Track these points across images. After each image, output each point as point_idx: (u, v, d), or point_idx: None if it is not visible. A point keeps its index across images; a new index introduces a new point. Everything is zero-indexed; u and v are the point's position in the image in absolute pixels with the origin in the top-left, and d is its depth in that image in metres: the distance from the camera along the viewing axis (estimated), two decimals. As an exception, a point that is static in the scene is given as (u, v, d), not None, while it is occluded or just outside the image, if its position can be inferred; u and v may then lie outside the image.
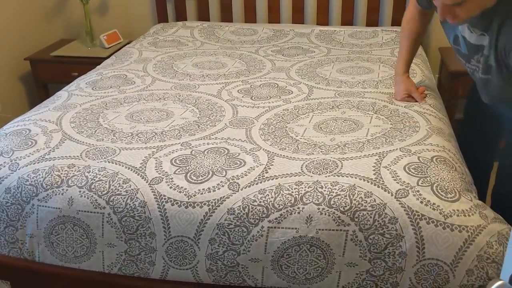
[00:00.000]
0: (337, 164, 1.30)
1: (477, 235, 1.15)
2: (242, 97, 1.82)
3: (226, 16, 2.86)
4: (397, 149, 1.34)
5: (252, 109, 1.71)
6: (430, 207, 1.17)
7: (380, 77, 1.90)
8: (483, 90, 1.48)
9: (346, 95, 1.77)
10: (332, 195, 1.20)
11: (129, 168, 1.36)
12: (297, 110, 1.68)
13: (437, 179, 1.23)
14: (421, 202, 1.18)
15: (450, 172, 1.26)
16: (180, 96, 1.84)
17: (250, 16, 2.83)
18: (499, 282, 0.74)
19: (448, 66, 2.39)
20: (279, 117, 1.64)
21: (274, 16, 2.80)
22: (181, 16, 2.92)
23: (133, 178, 1.33)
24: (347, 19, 2.70)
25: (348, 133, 1.48)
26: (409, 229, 1.16)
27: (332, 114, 1.63)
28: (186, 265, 1.26)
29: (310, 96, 1.78)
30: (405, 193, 1.19)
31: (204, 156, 1.40)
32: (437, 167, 1.27)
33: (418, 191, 1.19)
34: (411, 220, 1.16)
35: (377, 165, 1.27)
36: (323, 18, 2.73)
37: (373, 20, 2.67)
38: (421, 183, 1.21)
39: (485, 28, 1.29)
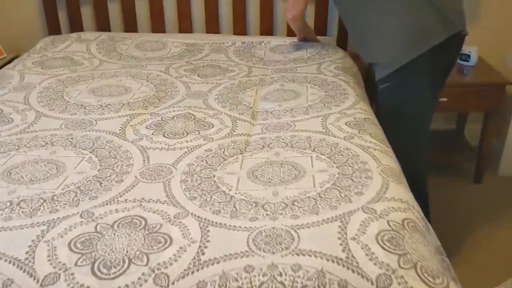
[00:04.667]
0: (292, 235, 0.96)
1: None
2: (152, 134, 1.41)
3: (130, 24, 2.38)
4: (358, 208, 1.03)
5: (167, 152, 1.31)
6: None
7: (309, 101, 1.59)
8: None
9: (274, 128, 1.43)
10: (296, 286, 0.86)
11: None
12: (223, 150, 1.31)
13: (418, 256, 0.93)
14: None
15: (425, 244, 0.97)
16: (73, 138, 1.38)
17: (157, 25, 2.37)
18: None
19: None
20: (202, 161, 1.26)
21: (185, 25, 2.37)
22: (76, 25, 2.37)
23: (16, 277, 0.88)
24: (267, 28, 2.36)
25: (291, 183, 1.14)
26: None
27: (265, 155, 1.28)
28: None
29: (234, 131, 1.42)
30: (388, 281, 0.87)
31: (114, 234, 0.98)
32: (412, 236, 0.97)
33: (402, 276, 0.88)
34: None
35: (343, 235, 0.95)
36: (240, 27, 2.36)
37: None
38: (403, 265, 0.89)
39: None
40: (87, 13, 2.39)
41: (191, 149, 1.32)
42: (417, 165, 1.63)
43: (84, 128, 1.44)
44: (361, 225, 0.97)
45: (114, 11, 2.38)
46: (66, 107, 1.58)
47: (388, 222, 0.98)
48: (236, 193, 1.11)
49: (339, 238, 0.94)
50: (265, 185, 1.14)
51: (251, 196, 1.10)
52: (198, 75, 1.86)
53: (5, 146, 1.34)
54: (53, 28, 2.39)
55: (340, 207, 1.03)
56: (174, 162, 1.25)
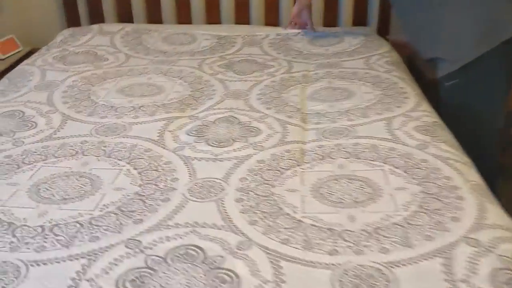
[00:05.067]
0: (386, 275, 0.79)
1: None
2: (194, 141, 1.24)
3: (154, 14, 2.20)
4: (459, 240, 0.85)
5: (213, 163, 1.15)
6: None
7: (365, 101, 1.42)
8: None
9: (330, 133, 1.26)
10: None
11: None
12: (276, 161, 1.15)
13: None
14: None
15: None
16: (106, 146, 1.22)
17: (184, 15, 2.20)
18: None
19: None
20: (256, 174, 1.09)
21: (213, 15, 2.19)
22: (96, 16, 2.20)
23: None
24: (301, 18, 2.18)
25: (368, 204, 0.97)
26: None
27: (328, 168, 1.11)
28: None
29: (286, 138, 1.25)
30: None
31: (168, 269, 0.82)
32: None
33: None
34: None
35: (449, 276, 0.78)
36: (272, 17, 2.17)
37: (331, 19, 2.15)
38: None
39: None
40: (107, 2, 2.22)
41: (241, 160, 1.15)
42: (488, 171, 1.46)
43: (118, 134, 1.27)
44: (468, 262, 0.80)
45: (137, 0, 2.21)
46: (94, 109, 1.42)
47: (499, 257, 0.81)
48: (303, 217, 0.95)
49: (446, 280, 0.77)
50: (336, 207, 0.97)
51: (322, 221, 0.93)
52: (234, 72, 1.68)
53: (30, 156, 1.18)
54: (72, 19, 2.22)
55: (437, 238, 0.86)
56: (225, 176, 1.09)
